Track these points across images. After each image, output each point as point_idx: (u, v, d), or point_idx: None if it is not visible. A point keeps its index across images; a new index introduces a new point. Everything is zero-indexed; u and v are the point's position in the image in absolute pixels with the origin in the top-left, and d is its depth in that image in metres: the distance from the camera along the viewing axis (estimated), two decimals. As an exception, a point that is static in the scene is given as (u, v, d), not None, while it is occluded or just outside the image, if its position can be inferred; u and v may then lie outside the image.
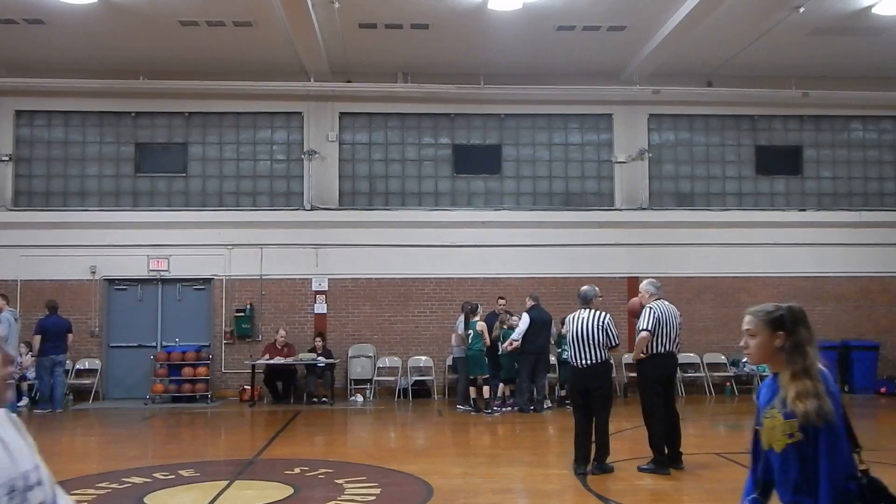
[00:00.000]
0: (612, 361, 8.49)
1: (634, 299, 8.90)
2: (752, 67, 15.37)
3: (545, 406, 13.45)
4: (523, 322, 13.15)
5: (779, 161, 16.72)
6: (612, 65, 15.35)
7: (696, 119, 16.70)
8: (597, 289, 8.49)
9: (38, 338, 13.66)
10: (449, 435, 11.40)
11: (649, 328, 8.01)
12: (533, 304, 13.53)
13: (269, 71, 15.33)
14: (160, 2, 12.44)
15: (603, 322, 8.02)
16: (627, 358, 15.28)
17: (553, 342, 14.00)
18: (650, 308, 8.16)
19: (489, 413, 12.96)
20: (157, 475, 8.06)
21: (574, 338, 8.09)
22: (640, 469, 7.99)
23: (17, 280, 15.20)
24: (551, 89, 15.75)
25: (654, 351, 8.08)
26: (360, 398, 15.05)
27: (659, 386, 8.12)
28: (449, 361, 15.04)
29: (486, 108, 16.23)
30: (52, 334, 13.74)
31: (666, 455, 8.00)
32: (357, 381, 15.34)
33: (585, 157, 16.54)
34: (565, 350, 13.18)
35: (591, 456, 7.93)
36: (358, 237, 15.71)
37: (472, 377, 13.36)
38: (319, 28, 12.99)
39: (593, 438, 8.01)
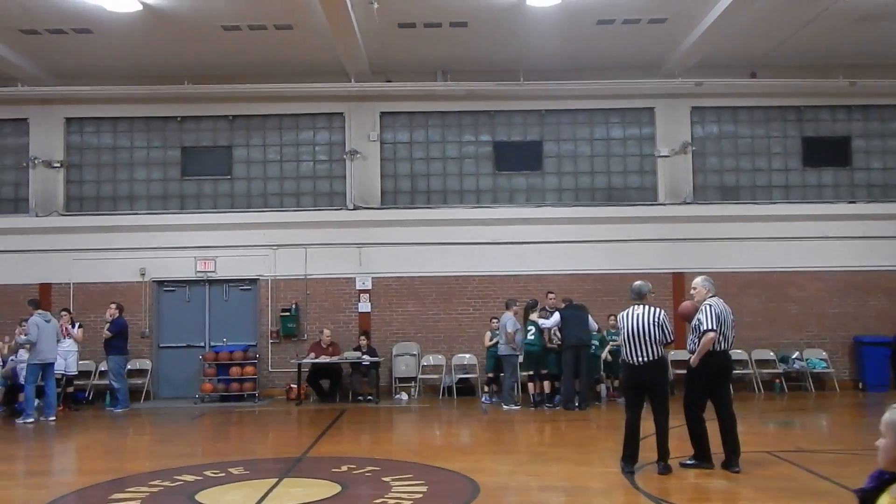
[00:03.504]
0: (667, 358, 8.34)
1: (686, 303, 8.56)
2: (797, 57, 15.09)
3: (592, 404, 13.39)
4: (553, 319, 13.41)
5: (826, 152, 16.38)
6: (653, 57, 15.19)
7: (741, 111, 16.44)
8: (649, 284, 8.32)
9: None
10: (494, 433, 11.40)
11: (714, 327, 7.68)
12: (566, 304, 13.74)
13: (310, 72, 15.50)
14: (203, 8, 12.65)
15: (659, 318, 7.79)
16: (673, 355, 15.11)
17: (602, 337, 13.96)
18: (710, 305, 7.82)
19: (550, 407, 13.28)
20: (207, 473, 8.18)
21: (629, 335, 7.84)
22: (682, 465, 7.89)
23: (69, 283, 15.62)
24: (592, 84, 15.63)
25: (713, 349, 7.75)
26: (404, 396, 15.14)
27: (709, 383, 7.87)
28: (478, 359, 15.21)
29: (527, 104, 16.19)
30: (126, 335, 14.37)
31: (704, 447, 7.88)
32: (402, 379, 15.45)
33: (627, 152, 16.40)
34: (614, 340, 13.18)
35: (638, 455, 7.85)
36: (400, 236, 15.80)
37: (542, 372, 13.59)
38: (359, 29, 13.07)
39: (656, 439, 7.88)
